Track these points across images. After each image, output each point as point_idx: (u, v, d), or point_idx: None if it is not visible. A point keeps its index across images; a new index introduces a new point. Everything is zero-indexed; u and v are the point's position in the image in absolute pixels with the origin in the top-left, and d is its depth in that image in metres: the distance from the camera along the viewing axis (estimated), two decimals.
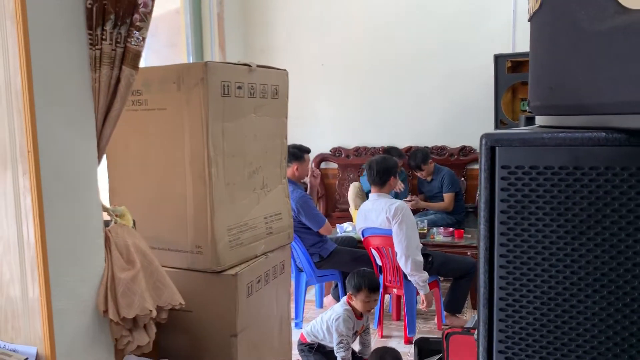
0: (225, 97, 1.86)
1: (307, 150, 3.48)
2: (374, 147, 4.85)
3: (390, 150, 4.26)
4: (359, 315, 2.73)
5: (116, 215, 1.61)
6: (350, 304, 2.71)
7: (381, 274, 3.38)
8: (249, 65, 1.90)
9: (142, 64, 1.57)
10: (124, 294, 1.52)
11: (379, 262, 3.36)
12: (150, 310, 1.52)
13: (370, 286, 2.68)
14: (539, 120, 0.84)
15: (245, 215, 1.98)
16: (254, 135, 1.99)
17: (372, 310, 2.81)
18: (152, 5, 1.51)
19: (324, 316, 2.76)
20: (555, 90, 0.75)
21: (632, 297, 0.65)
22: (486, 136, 0.69)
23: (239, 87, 1.92)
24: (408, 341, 3.26)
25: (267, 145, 2.07)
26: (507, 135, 0.68)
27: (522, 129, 0.73)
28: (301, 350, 2.79)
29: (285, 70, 2.10)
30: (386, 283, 3.37)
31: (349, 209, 4.19)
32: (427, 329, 3.45)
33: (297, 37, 4.96)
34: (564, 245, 0.66)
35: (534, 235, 0.67)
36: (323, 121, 5.02)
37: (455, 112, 4.63)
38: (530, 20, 0.84)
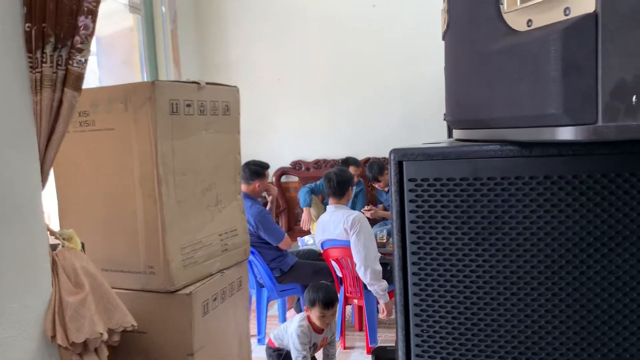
0: (174, 115, 1.87)
1: (267, 167, 3.51)
2: (334, 160, 4.90)
3: (347, 160, 4.33)
4: (318, 330, 2.72)
5: (63, 239, 1.60)
6: (309, 318, 2.70)
7: (342, 285, 3.41)
8: (197, 83, 1.92)
9: (96, 83, 1.58)
10: (73, 317, 1.50)
11: (340, 274, 3.40)
12: (101, 334, 1.52)
13: (324, 301, 2.62)
14: (454, 133, 0.90)
15: (199, 233, 1.98)
16: (206, 152, 2.01)
17: (330, 324, 2.77)
18: (93, 28, 1.52)
19: (288, 326, 2.76)
20: (461, 106, 0.80)
21: (532, 298, 0.69)
22: (394, 151, 0.74)
23: (188, 105, 1.94)
24: (370, 351, 3.29)
25: (219, 161, 2.09)
26: (413, 150, 0.73)
27: (429, 144, 0.78)
28: (269, 355, 2.79)
29: (235, 87, 2.12)
30: (347, 294, 3.40)
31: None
32: (389, 338, 3.49)
33: (254, 52, 5.00)
34: (469, 251, 0.71)
35: (441, 242, 0.71)
36: (283, 135, 5.05)
37: (412, 123, 4.73)
38: (443, 38, 0.89)
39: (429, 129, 4.56)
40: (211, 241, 2.01)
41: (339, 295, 3.39)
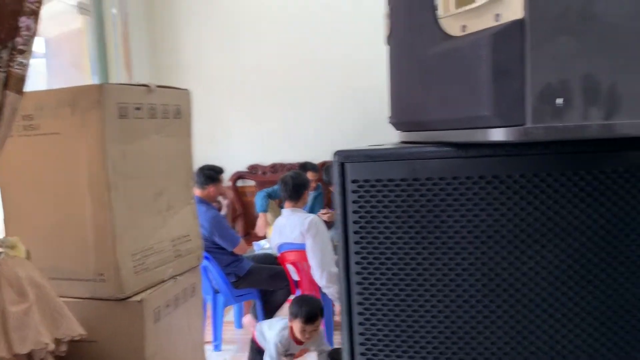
0: (123, 119, 1.83)
1: (221, 171, 3.48)
2: (290, 163, 4.90)
3: (305, 165, 4.33)
4: (299, 341, 2.65)
5: (7, 247, 1.54)
6: (291, 329, 2.66)
7: (298, 289, 3.41)
8: (147, 86, 1.89)
9: (45, 86, 1.53)
10: (17, 328, 1.45)
11: (296, 277, 3.40)
12: (47, 344, 1.47)
13: (306, 316, 2.54)
14: (399, 135, 0.92)
15: (150, 239, 1.95)
16: (157, 156, 1.97)
17: (313, 337, 2.67)
18: (36, 29, 1.48)
19: (270, 326, 2.74)
20: (403, 108, 0.82)
21: (470, 294, 0.72)
22: (337, 153, 0.75)
23: (138, 109, 1.90)
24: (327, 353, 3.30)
25: (171, 166, 2.06)
26: (355, 152, 0.74)
27: (373, 146, 0.80)
28: (252, 349, 2.77)
29: (187, 89, 2.10)
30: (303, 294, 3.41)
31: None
32: None
33: (208, 55, 4.95)
34: (410, 249, 0.72)
35: (383, 242, 0.73)
36: (238, 139, 5.02)
37: (369, 126, 4.77)
38: (386, 43, 0.91)
39: (386, 132, 4.60)
40: (163, 247, 1.97)
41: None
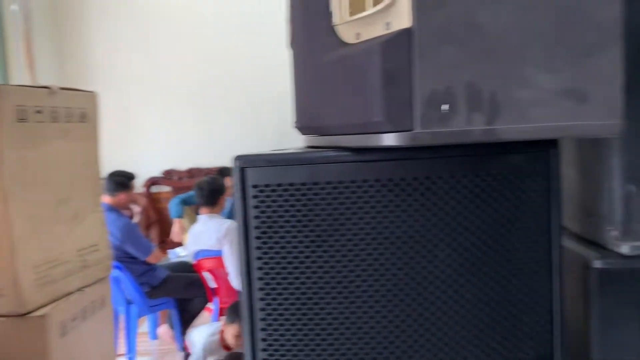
0: (23, 122, 1.72)
1: (133, 177, 3.36)
2: (208, 168, 4.81)
3: (223, 170, 4.27)
4: (227, 347, 2.60)
5: None
6: (222, 333, 2.60)
7: (216, 296, 3.35)
8: (48, 88, 1.78)
9: None
10: None
11: (214, 285, 3.34)
12: None
13: None
14: (305, 140, 0.93)
15: (55, 249, 1.83)
16: (61, 162, 1.87)
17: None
18: None
19: (199, 332, 2.66)
20: (305, 113, 0.83)
21: (369, 295, 0.74)
22: (238, 158, 0.75)
23: (39, 112, 1.79)
24: None
25: (76, 172, 1.95)
26: (256, 157, 0.74)
27: (275, 151, 0.80)
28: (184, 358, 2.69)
29: (93, 92, 2.00)
30: (222, 305, 3.35)
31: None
32: None
33: (121, 55, 4.77)
34: (311, 253, 0.73)
35: (284, 247, 0.73)
36: (152, 143, 4.87)
37: (288, 129, 4.78)
38: (289, 47, 0.92)
39: (302, 136, 4.64)
40: (69, 258, 1.87)
41: (213, 306, 3.33)
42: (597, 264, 0.81)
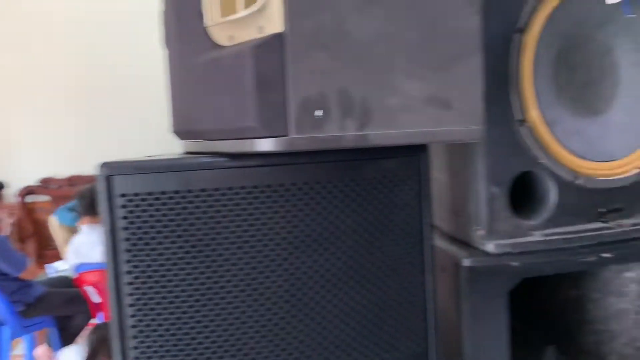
0: None
1: (2, 186, 3.07)
2: (91, 176, 4.53)
3: None
4: None
5: None
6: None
7: (100, 312, 3.16)
8: None
9: None
10: None
11: (97, 299, 3.14)
12: None
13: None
14: (183, 145, 0.89)
15: None
16: None
17: None
18: None
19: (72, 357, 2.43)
20: (180, 117, 0.80)
21: (247, 305, 0.72)
22: (103, 165, 0.70)
23: None
24: None
25: None
26: (124, 163, 0.70)
27: (148, 157, 0.76)
28: None
29: None
30: (107, 320, 3.16)
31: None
32: None
33: None
34: (186, 264, 0.70)
35: (157, 259, 0.69)
36: (28, 149, 4.49)
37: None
38: (164, 48, 0.87)
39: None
40: None
41: (98, 321, 3.13)
42: (466, 262, 0.86)
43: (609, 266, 0.99)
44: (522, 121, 0.83)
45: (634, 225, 0.89)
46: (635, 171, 0.89)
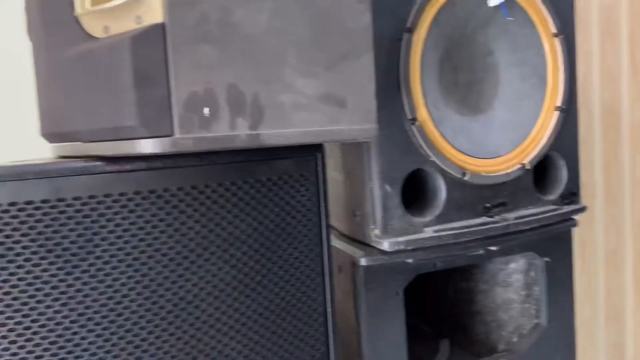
0: None
1: None
2: None
3: None
4: None
5: None
6: None
7: None
8: None
9: None
10: None
11: None
12: None
13: None
14: (54, 149, 0.79)
15: None
16: None
17: None
18: None
19: None
20: (47, 117, 0.71)
21: (133, 322, 0.65)
22: None
23: None
24: None
25: None
26: None
27: (11, 162, 0.66)
28: None
29: None
30: None
31: None
32: None
33: None
34: (59, 282, 0.62)
35: (25, 278, 0.61)
36: None
37: None
38: (29, 38, 0.78)
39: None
40: None
41: None
42: (362, 261, 0.85)
43: (496, 258, 1.04)
44: (413, 120, 0.84)
45: (517, 218, 0.93)
46: (517, 167, 0.94)
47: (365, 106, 0.67)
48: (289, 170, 0.74)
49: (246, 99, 0.61)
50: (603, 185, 1.63)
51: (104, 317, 0.64)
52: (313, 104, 0.64)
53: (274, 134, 0.63)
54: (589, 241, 1.62)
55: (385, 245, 0.84)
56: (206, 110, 0.59)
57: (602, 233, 1.65)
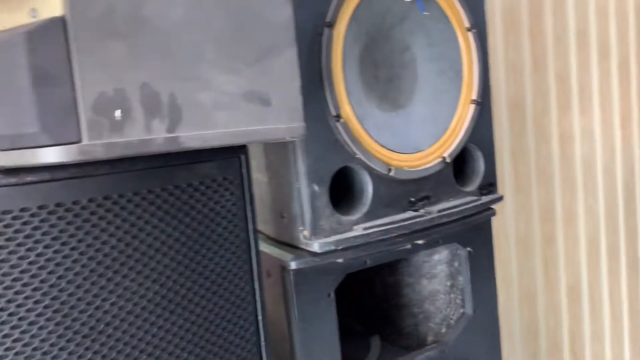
0: None
1: None
2: None
3: None
4: None
5: None
6: None
7: None
8: None
9: None
10: None
11: None
12: None
13: None
14: None
15: None
16: None
17: None
18: None
19: None
20: None
21: (44, 351, 0.59)
22: None
23: None
24: None
25: None
26: None
27: None
28: None
29: None
30: None
31: None
32: None
33: None
34: None
35: None
36: None
37: None
38: None
39: None
40: None
41: None
42: (292, 264, 0.82)
43: (420, 251, 1.05)
44: (337, 117, 0.82)
45: (440, 211, 0.94)
46: (438, 160, 0.95)
47: (291, 104, 0.64)
48: (211, 174, 0.69)
49: (162, 99, 0.56)
50: (512, 175, 1.72)
51: (7, 349, 0.57)
52: (235, 103, 0.60)
53: (194, 135, 0.59)
54: (501, 229, 1.70)
55: (315, 246, 0.82)
56: (117, 113, 0.54)
57: (513, 220, 1.73)
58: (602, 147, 1.86)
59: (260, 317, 0.76)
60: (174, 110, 0.57)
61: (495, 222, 1.09)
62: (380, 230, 0.88)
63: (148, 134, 0.55)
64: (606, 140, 1.87)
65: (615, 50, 1.86)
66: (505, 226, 1.72)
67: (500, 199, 1.07)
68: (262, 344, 0.77)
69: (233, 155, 0.70)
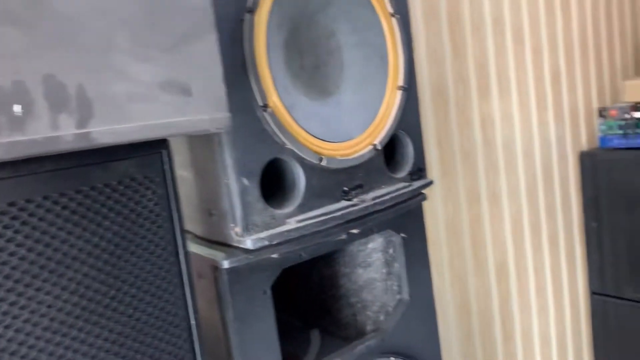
0: None
1: None
2: None
3: None
4: None
5: None
6: None
7: None
8: None
9: None
10: None
11: None
12: None
13: None
14: None
15: None
16: None
17: None
18: None
19: None
20: None
21: None
22: None
23: None
24: None
25: None
26: None
27: None
28: None
29: None
30: None
31: None
32: None
33: None
34: None
35: None
36: None
37: None
38: None
39: None
40: None
41: None
42: (225, 264, 0.79)
43: (355, 240, 1.04)
44: (265, 107, 0.79)
45: (374, 199, 0.94)
46: (369, 148, 0.94)
47: (213, 93, 0.60)
48: (129, 172, 0.64)
49: (69, 92, 0.51)
50: (438, 159, 1.75)
51: None
52: (152, 93, 0.56)
53: (108, 130, 0.54)
54: (430, 214, 1.73)
55: (248, 243, 0.78)
56: (17, 108, 0.48)
57: (441, 204, 1.77)
58: (521, 130, 1.94)
59: (193, 322, 0.72)
60: (84, 103, 0.51)
61: (425, 207, 1.10)
62: (314, 222, 0.86)
63: (55, 131, 0.50)
64: (524, 123, 1.95)
65: (528, 37, 1.94)
66: (434, 210, 1.75)
67: (430, 183, 1.08)
68: (197, 349, 0.72)
69: (153, 151, 0.65)
